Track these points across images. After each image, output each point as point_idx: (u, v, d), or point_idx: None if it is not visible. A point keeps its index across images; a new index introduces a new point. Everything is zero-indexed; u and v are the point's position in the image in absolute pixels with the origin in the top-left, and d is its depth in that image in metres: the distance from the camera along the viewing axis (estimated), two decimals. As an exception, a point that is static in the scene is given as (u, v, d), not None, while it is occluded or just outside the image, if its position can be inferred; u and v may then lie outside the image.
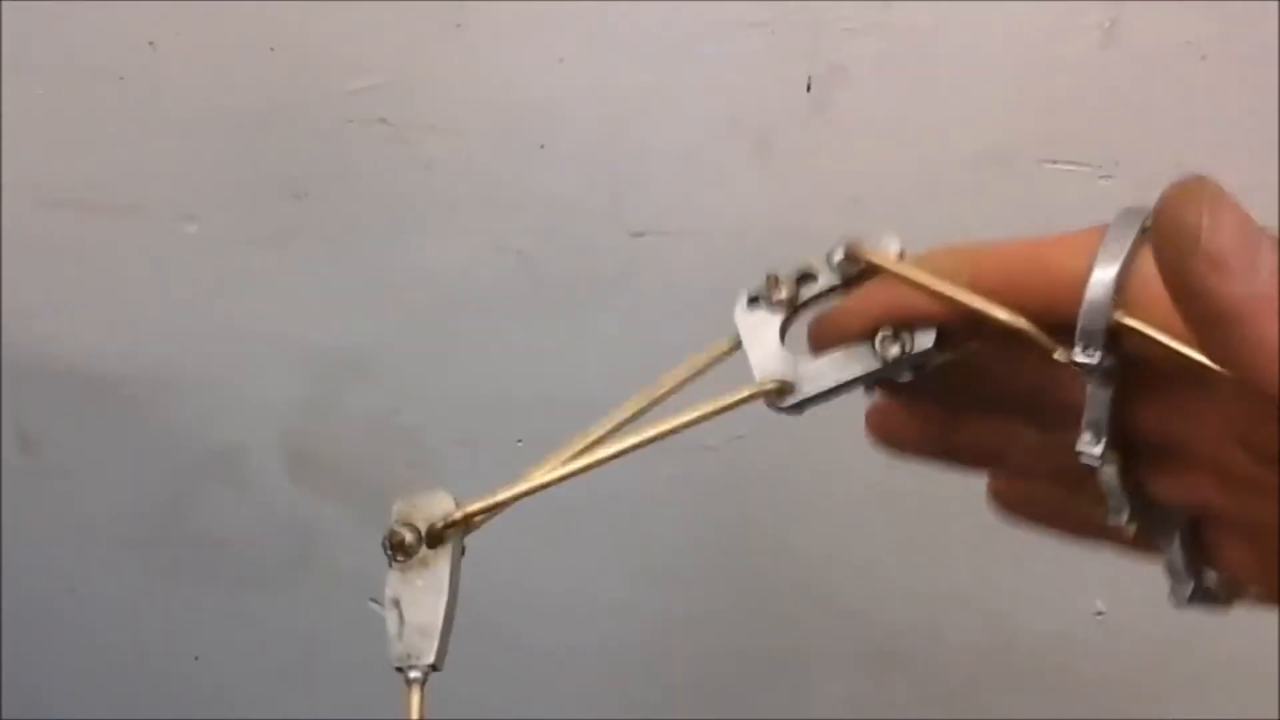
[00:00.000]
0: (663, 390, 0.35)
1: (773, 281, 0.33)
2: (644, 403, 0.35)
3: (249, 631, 1.02)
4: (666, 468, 0.89)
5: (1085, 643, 0.87)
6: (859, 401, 0.82)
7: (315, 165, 0.85)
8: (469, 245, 0.85)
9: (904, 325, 0.32)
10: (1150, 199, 0.78)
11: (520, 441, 0.90)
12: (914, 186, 0.78)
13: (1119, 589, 0.86)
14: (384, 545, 0.35)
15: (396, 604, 0.35)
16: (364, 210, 0.86)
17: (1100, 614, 0.87)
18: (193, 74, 0.84)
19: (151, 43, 0.83)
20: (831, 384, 0.33)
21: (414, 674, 0.34)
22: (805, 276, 0.33)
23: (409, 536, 0.34)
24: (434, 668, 0.34)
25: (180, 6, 0.82)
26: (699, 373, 0.35)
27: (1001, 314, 0.30)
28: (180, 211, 0.88)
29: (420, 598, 0.35)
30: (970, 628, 0.90)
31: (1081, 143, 0.75)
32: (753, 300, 0.34)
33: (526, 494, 0.35)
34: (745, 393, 0.33)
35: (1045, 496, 0.36)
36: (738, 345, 0.34)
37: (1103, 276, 0.28)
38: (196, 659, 1.03)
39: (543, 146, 0.81)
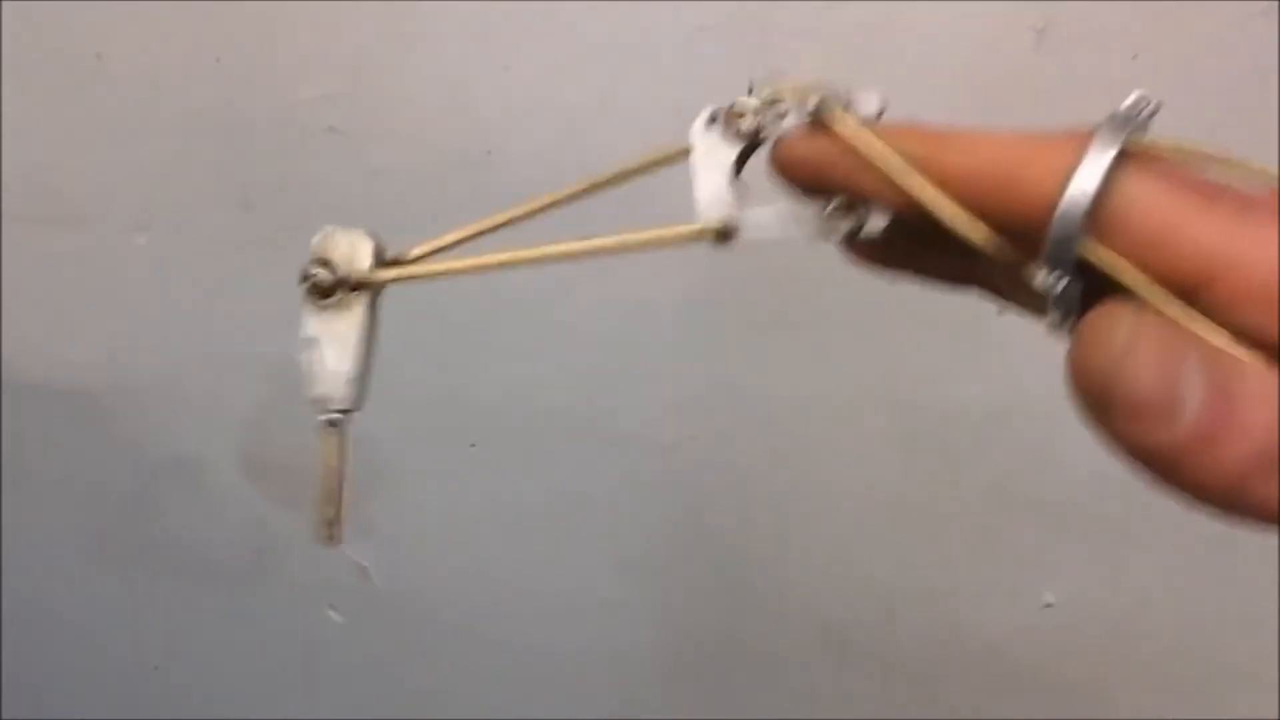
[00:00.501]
0: (603, 179, 0.34)
1: (737, 112, 0.31)
2: (582, 187, 0.35)
3: (209, 640, 1.02)
4: (624, 466, 0.90)
5: (1038, 633, 0.88)
6: (818, 399, 0.83)
7: (265, 175, 0.86)
8: (420, 252, 0.85)
9: (859, 200, 0.30)
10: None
11: (474, 445, 0.91)
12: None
13: (1070, 581, 0.87)
14: (300, 283, 0.34)
15: (314, 344, 0.34)
16: (314, 218, 0.85)
17: (1049, 605, 0.88)
18: (141, 86, 0.84)
19: (99, 56, 0.83)
20: (773, 237, 0.31)
21: (328, 417, 0.34)
22: (774, 110, 0.31)
23: (326, 279, 0.34)
24: (348, 411, 0.34)
25: (127, 19, 0.82)
26: (644, 169, 0.34)
27: (966, 227, 0.27)
28: (132, 223, 0.88)
29: (337, 341, 0.34)
30: (927, 619, 0.91)
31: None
32: (713, 121, 0.32)
33: (443, 273, 0.35)
34: (688, 230, 0.32)
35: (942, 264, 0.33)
36: (688, 152, 0.32)
37: (1073, 208, 0.26)
38: (156, 668, 1.03)
39: (490, 153, 0.82)
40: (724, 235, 0.31)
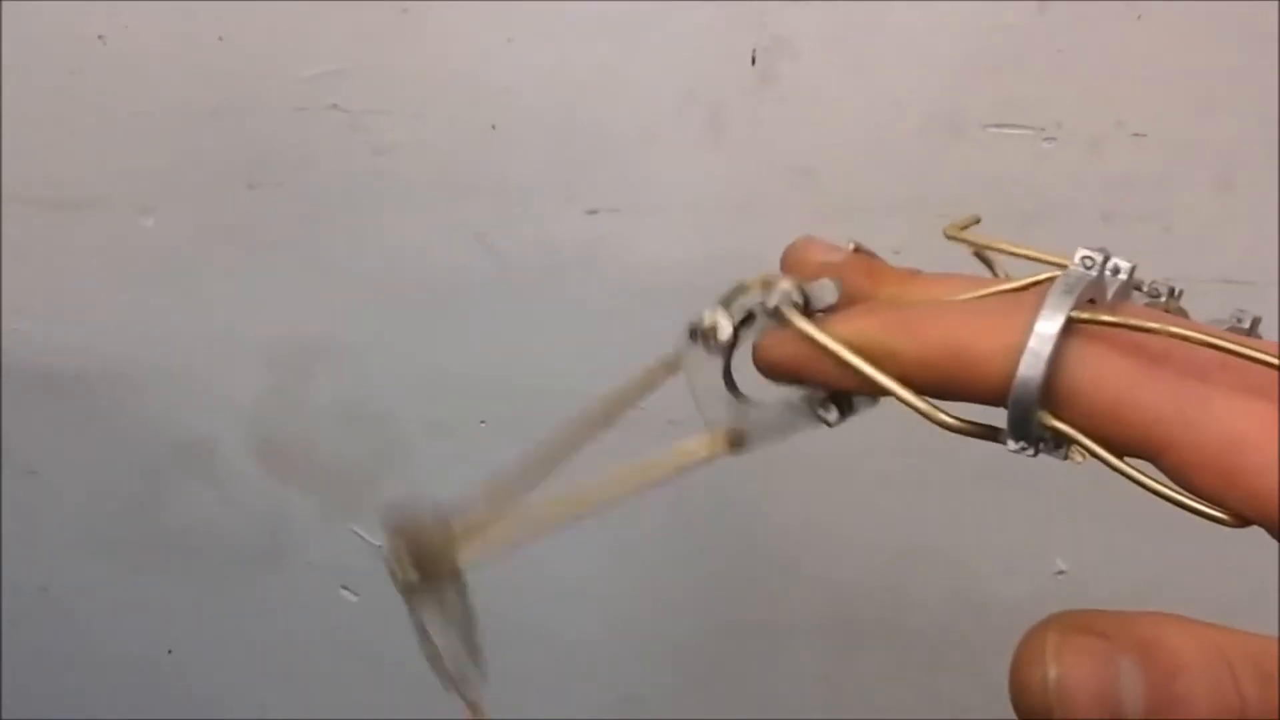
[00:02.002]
0: (616, 406, 0.36)
1: (709, 332, 0.32)
2: (595, 419, 0.36)
3: (223, 623, 1.03)
4: (630, 442, 0.89)
5: (1050, 601, 0.88)
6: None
7: (270, 154, 0.86)
8: (426, 228, 0.86)
9: (839, 391, 0.31)
10: (1091, 160, 0.79)
11: (484, 422, 0.91)
12: (864, 155, 0.79)
13: (1082, 549, 0.87)
14: (392, 581, 0.34)
15: (424, 631, 0.35)
16: (320, 197, 0.86)
17: (1061, 573, 0.88)
18: (145, 67, 0.84)
19: (101, 37, 0.83)
20: (778, 436, 0.33)
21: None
22: (744, 319, 0.32)
23: (414, 575, 0.34)
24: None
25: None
26: (645, 389, 0.35)
27: (931, 414, 0.28)
28: (138, 205, 0.88)
29: (442, 620, 0.35)
30: (937, 589, 0.91)
31: (1024, 106, 0.76)
32: (693, 333, 0.33)
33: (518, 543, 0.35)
34: (702, 450, 0.33)
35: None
36: (679, 365, 0.34)
37: (1025, 390, 0.26)
38: (170, 652, 1.04)
39: (495, 127, 0.82)
40: (736, 446, 0.33)
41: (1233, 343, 0.25)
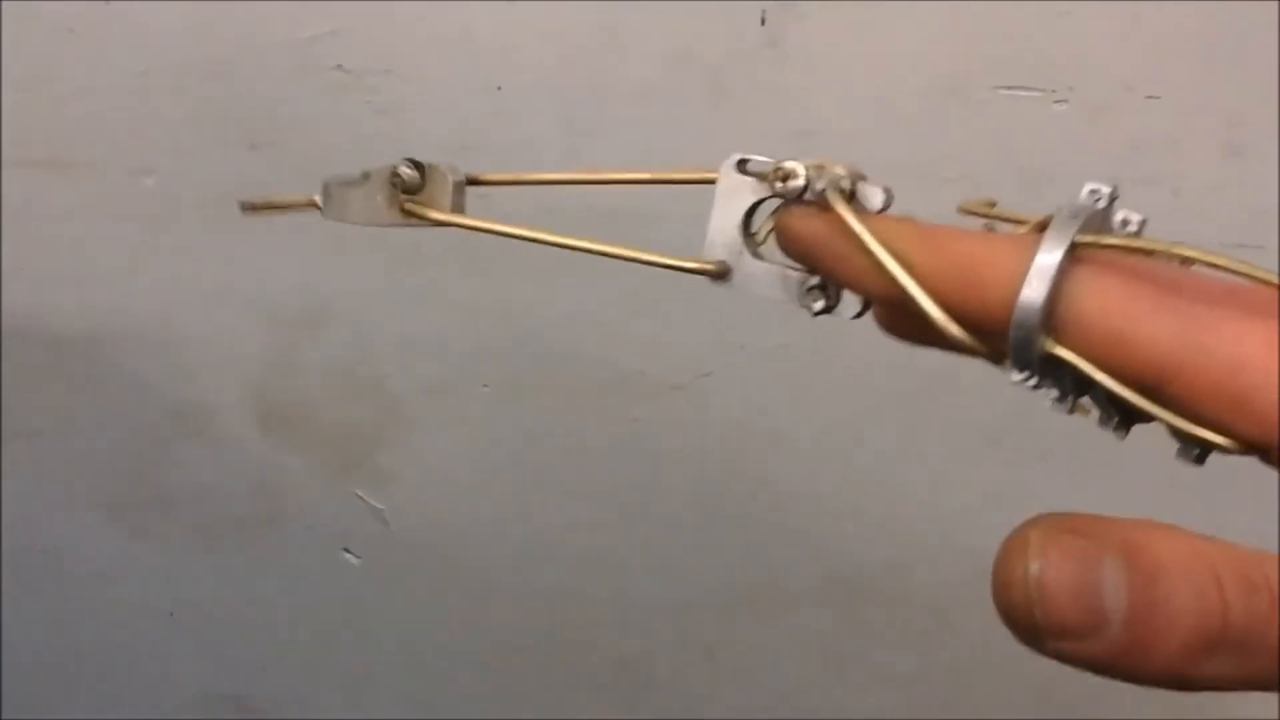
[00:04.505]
0: (627, 177, 0.39)
1: (776, 173, 0.31)
2: (610, 177, 0.39)
3: (225, 586, 1.02)
4: (636, 406, 0.89)
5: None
6: (824, 338, 0.83)
7: (272, 115, 0.85)
8: (429, 191, 0.85)
9: (835, 284, 0.31)
10: (1101, 123, 0.78)
11: (486, 387, 0.91)
12: (870, 118, 0.78)
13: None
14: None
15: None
16: (322, 159, 0.85)
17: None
18: (145, 26, 0.84)
19: (102, -5, 0.83)
20: (757, 294, 0.33)
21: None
22: (792, 180, 0.32)
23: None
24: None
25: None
26: (674, 181, 0.37)
27: (943, 323, 0.28)
28: (139, 165, 0.88)
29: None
30: (941, 556, 0.91)
31: (1034, 68, 0.75)
32: (743, 164, 0.33)
33: (479, 228, 0.37)
34: (690, 264, 0.34)
35: None
36: (712, 181, 0.34)
37: (1026, 313, 0.26)
38: (172, 615, 1.04)
39: (500, 89, 0.81)
40: (719, 276, 0.34)
41: (1239, 263, 0.25)
